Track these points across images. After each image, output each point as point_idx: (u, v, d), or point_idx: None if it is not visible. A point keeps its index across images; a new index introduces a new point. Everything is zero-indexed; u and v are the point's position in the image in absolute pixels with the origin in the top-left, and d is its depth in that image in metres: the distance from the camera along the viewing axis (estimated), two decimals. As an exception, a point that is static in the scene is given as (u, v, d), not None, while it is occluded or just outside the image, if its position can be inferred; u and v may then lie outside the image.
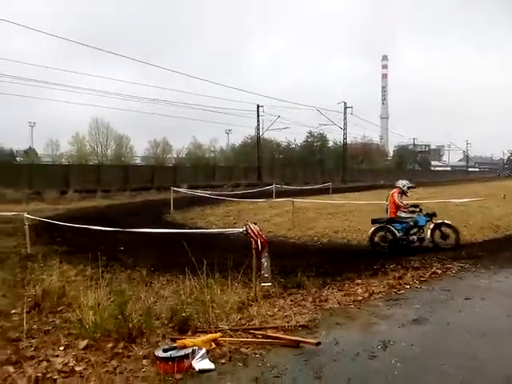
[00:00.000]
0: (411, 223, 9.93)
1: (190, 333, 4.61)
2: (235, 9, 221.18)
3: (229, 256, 7.16)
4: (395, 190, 10.39)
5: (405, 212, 10.17)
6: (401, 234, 9.81)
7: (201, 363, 3.86)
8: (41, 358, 3.97)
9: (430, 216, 10.20)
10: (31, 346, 4.28)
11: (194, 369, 3.79)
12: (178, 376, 3.67)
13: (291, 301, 5.82)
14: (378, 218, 10.41)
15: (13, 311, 5.38)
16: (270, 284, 5.98)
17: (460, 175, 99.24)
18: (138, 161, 67.84)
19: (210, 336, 4.36)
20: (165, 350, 3.87)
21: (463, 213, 15.85)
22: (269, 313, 5.24)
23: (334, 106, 72.10)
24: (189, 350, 3.90)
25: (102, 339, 4.35)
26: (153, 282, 6.82)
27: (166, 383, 3.56)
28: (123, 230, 9.30)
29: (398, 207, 10.13)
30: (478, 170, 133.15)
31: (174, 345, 4.00)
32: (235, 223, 14.63)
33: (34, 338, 4.51)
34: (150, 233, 10.69)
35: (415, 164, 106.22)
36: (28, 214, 10.63)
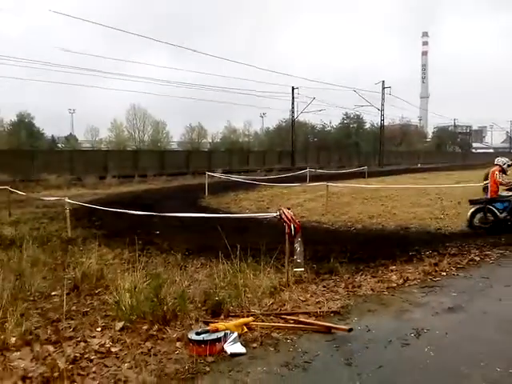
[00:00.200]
0: None
1: (222, 316, 4.67)
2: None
3: (262, 241, 7.20)
4: (495, 167, 9.87)
5: (508, 190, 9.65)
6: (504, 214, 9.30)
7: (232, 347, 3.91)
8: (79, 339, 4.13)
9: None
10: (70, 327, 4.45)
11: (225, 352, 3.85)
12: (209, 359, 3.74)
13: (323, 287, 5.80)
14: (477, 198, 9.92)
15: (53, 293, 5.61)
16: (302, 269, 5.97)
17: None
18: (174, 146, 68.72)
19: (242, 320, 4.41)
20: (198, 333, 3.94)
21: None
22: (301, 298, 5.24)
23: (372, 86, 70.52)
24: (221, 334, 3.96)
25: (137, 321, 4.47)
26: (187, 266, 6.94)
27: (198, 365, 3.63)
28: (159, 215, 9.50)
29: (499, 186, 9.66)
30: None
31: (207, 328, 4.06)
32: (268, 208, 14.66)
33: (72, 319, 4.69)
34: (185, 217, 10.92)
35: (455, 146, 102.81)
36: (69, 198, 10.99)
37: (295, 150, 52.81)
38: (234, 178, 24.64)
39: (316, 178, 26.77)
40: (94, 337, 4.18)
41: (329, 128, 77.80)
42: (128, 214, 9.83)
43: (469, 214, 9.60)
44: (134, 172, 32.33)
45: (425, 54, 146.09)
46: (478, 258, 7.20)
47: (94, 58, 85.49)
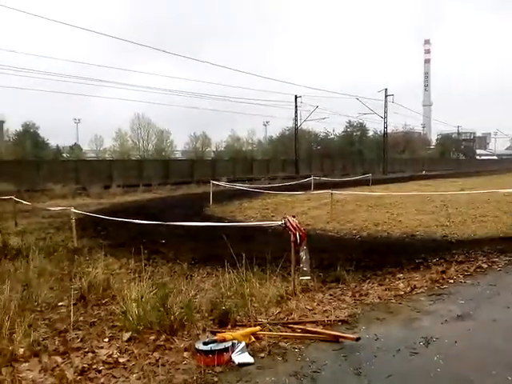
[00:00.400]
0: None
1: (229, 326, 4.66)
2: None
3: (267, 249, 7.20)
4: None
5: None
6: None
7: (240, 356, 3.90)
8: (86, 349, 4.13)
9: None
10: (78, 338, 4.45)
11: (233, 362, 3.84)
12: (217, 369, 3.72)
13: (330, 295, 5.78)
14: None
15: (60, 303, 5.62)
16: (308, 278, 5.95)
17: (507, 164, 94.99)
18: (178, 155, 68.99)
19: (249, 329, 4.40)
20: (205, 343, 3.93)
21: (511, 204, 15.22)
22: (308, 307, 5.22)
23: (375, 94, 70.70)
24: (228, 344, 3.95)
25: (144, 331, 4.46)
26: (193, 275, 6.93)
27: (206, 376, 3.62)
28: (164, 224, 9.52)
29: None
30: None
31: (214, 338, 4.05)
32: (273, 216, 14.65)
33: (80, 330, 4.69)
34: (190, 226, 10.93)
35: (459, 153, 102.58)
36: (74, 208, 11.04)
37: (299, 158, 52.88)
38: (239, 186, 24.68)
39: (320, 185, 26.74)
40: (102, 347, 4.18)
41: (332, 136, 78.02)
42: (133, 224, 9.88)
43: None
44: (139, 181, 32.44)
45: (427, 61, 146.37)
46: (485, 266, 7.15)
47: (99, 67, 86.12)
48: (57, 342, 4.33)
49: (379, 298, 5.63)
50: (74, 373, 3.62)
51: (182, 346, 4.19)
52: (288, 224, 5.90)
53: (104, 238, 11.09)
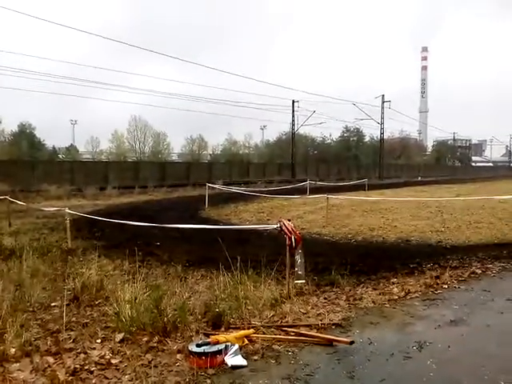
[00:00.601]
0: None
1: (223, 328, 4.64)
2: (270, 2, 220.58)
3: (262, 252, 7.19)
4: None
5: None
6: None
7: (233, 359, 3.88)
8: (79, 350, 4.09)
9: None
10: (70, 338, 4.41)
11: (226, 364, 3.82)
12: (210, 371, 3.71)
13: (325, 299, 5.78)
14: None
15: (53, 304, 5.58)
16: (303, 281, 5.94)
17: (502, 171, 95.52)
18: (175, 157, 68.92)
19: (242, 332, 4.38)
20: (198, 345, 3.91)
21: (506, 210, 15.30)
22: (302, 310, 5.21)
23: (372, 100, 71.07)
24: (222, 346, 3.93)
25: (137, 333, 4.44)
26: (187, 277, 6.91)
27: (199, 378, 3.60)
28: (159, 226, 9.49)
29: None
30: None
31: (208, 340, 4.03)
32: (268, 220, 14.66)
33: (72, 331, 4.65)
34: (185, 229, 10.91)
35: (455, 160, 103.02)
36: (69, 209, 10.98)
37: (295, 163, 52.95)
38: (235, 189, 24.68)
39: (316, 190, 26.81)
40: (94, 348, 4.15)
41: (329, 141, 78.14)
42: (128, 225, 9.85)
43: None
44: (135, 183, 32.38)
45: (424, 68, 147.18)
46: (479, 271, 7.17)
47: (96, 69, 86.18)
48: (49, 343, 4.29)
49: (373, 302, 5.62)
50: (66, 373, 3.59)
51: (175, 347, 4.17)
52: (283, 227, 5.89)
53: (98, 239, 11.04)
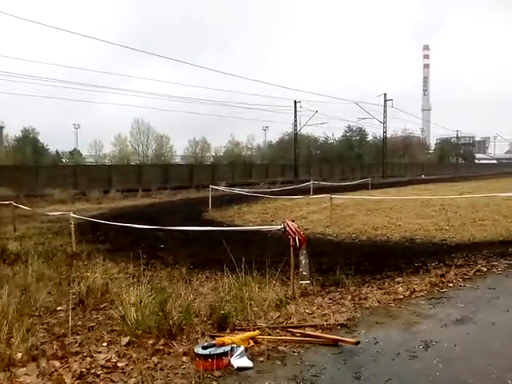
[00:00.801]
0: None
1: (228, 330, 4.65)
2: (271, 3, 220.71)
3: (266, 253, 7.20)
4: None
5: None
6: None
7: (239, 361, 3.88)
8: (85, 354, 4.10)
9: None
10: (76, 342, 4.43)
11: (232, 366, 3.82)
12: (216, 373, 3.71)
13: (330, 299, 5.77)
14: None
15: (59, 308, 5.60)
16: (308, 282, 5.94)
17: (506, 168, 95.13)
18: (178, 160, 69.09)
19: (248, 334, 4.38)
20: (204, 347, 3.91)
21: (511, 207, 15.23)
22: (307, 311, 5.21)
23: (374, 99, 71.03)
24: (227, 348, 3.93)
25: (143, 336, 4.45)
26: (192, 280, 6.92)
27: (205, 380, 3.60)
28: (163, 228, 9.51)
29: None
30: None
31: (213, 342, 4.04)
32: (272, 221, 14.65)
33: (78, 334, 4.67)
34: (189, 231, 10.93)
35: (458, 157, 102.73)
36: (73, 213, 11.02)
37: (298, 163, 52.96)
38: (238, 191, 24.66)
39: (319, 190, 26.75)
40: (100, 352, 4.15)
41: (331, 141, 78.17)
42: (132, 228, 9.87)
43: None
44: (138, 186, 32.41)
45: (426, 66, 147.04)
46: (484, 269, 7.15)
47: (99, 73, 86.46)
48: (55, 347, 4.31)
49: (378, 301, 5.61)
50: (73, 377, 3.60)
51: (180, 350, 4.17)
52: (287, 228, 5.89)
53: (103, 243, 11.08)
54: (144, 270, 6.90)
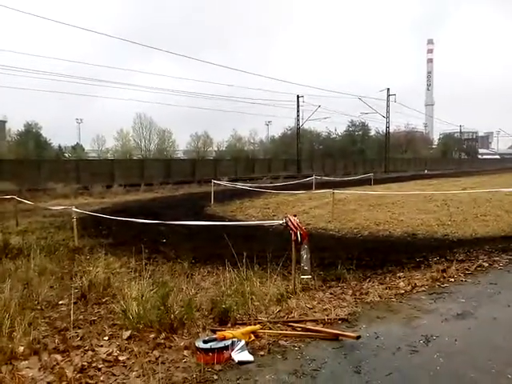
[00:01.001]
0: None
1: (229, 324, 4.66)
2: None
3: (268, 248, 7.20)
4: None
5: None
6: None
7: (240, 355, 3.89)
8: (86, 348, 4.13)
9: None
10: (78, 336, 4.45)
11: (233, 360, 3.84)
12: (217, 367, 3.72)
13: (331, 294, 5.77)
14: None
15: (61, 302, 5.63)
16: (309, 277, 5.94)
17: (509, 163, 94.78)
18: (180, 154, 69.04)
19: (249, 328, 4.40)
20: (205, 341, 3.93)
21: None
22: (308, 305, 5.22)
23: (377, 94, 70.81)
24: (228, 342, 3.95)
25: (144, 330, 4.47)
26: (194, 274, 6.93)
27: (205, 374, 3.62)
28: (165, 223, 9.52)
29: None
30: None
31: (214, 336, 4.05)
32: (274, 215, 14.65)
33: (80, 328, 4.69)
34: (191, 225, 10.94)
35: (461, 152, 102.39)
36: (76, 207, 11.04)
37: (301, 158, 52.87)
38: (240, 185, 24.66)
39: (321, 185, 26.74)
40: (102, 346, 4.18)
41: (334, 135, 77.97)
42: (135, 223, 9.89)
43: None
44: (141, 181, 32.45)
45: (430, 61, 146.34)
46: (486, 264, 7.14)
47: (102, 68, 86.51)
48: (57, 341, 4.33)
49: (380, 296, 5.61)
50: (74, 371, 3.62)
51: (181, 344, 4.19)
52: (289, 223, 5.89)
53: (105, 237, 11.10)
54: (146, 264, 6.91)
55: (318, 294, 5.73)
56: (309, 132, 70.59)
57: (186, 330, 4.49)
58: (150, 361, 3.84)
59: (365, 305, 5.33)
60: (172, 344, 4.20)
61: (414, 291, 5.84)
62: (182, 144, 71.07)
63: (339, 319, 4.81)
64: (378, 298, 5.55)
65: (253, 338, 4.28)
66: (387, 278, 6.51)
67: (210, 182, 22.74)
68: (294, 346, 4.16)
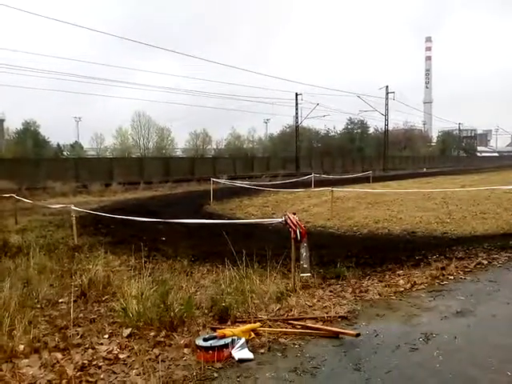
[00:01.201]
0: None
1: (229, 322, 4.67)
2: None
3: (267, 246, 7.20)
4: None
5: None
6: None
7: (240, 353, 3.90)
8: (87, 346, 4.13)
9: None
10: (78, 334, 4.45)
11: (233, 358, 3.84)
12: (217, 365, 3.73)
13: (330, 291, 5.78)
14: None
15: (60, 300, 5.63)
16: (308, 274, 5.94)
17: (508, 161, 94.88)
18: (179, 152, 69.01)
19: (249, 326, 4.40)
20: (205, 339, 3.93)
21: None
22: (308, 303, 5.22)
23: (376, 91, 70.84)
24: (228, 340, 3.95)
25: (144, 328, 4.47)
26: (193, 272, 6.94)
27: (206, 372, 3.63)
28: (164, 221, 9.52)
29: None
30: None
31: (214, 334, 4.05)
32: (273, 213, 14.66)
33: (80, 326, 4.70)
34: (190, 223, 10.94)
35: (460, 150, 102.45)
36: (75, 206, 11.03)
37: (299, 156, 52.84)
38: (239, 184, 24.67)
39: (320, 183, 26.75)
40: (102, 344, 4.18)
41: (333, 133, 77.96)
42: (134, 221, 9.88)
43: None
44: (140, 179, 32.43)
45: (429, 59, 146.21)
46: (485, 262, 7.15)
47: (100, 66, 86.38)
48: (57, 339, 4.33)
49: (379, 294, 5.63)
50: (74, 369, 3.63)
51: (182, 342, 4.19)
52: (288, 221, 5.89)
53: (104, 236, 11.10)
54: (145, 262, 6.91)
55: (317, 291, 5.73)
56: (308, 130, 70.54)
57: (185, 328, 4.50)
58: (150, 359, 3.85)
59: (364, 302, 5.34)
60: (172, 342, 4.21)
61: (414, 289, 5.85)
62: (180, 142, 71.11)
63: (339, 317, 4.81)
64: (378, 296, 5.56)
65: (253, 335, 4.28)
66: (387, 276, 6.51)
67: (209, 180, 22.73)
68: (294, 344, 4.16)
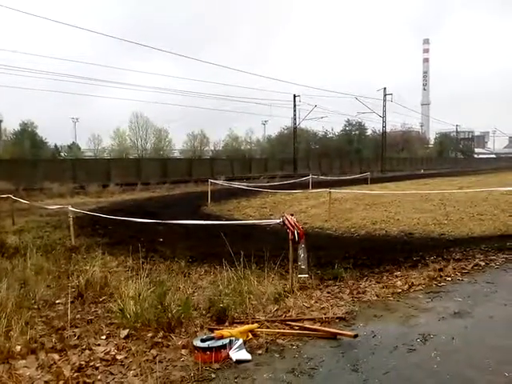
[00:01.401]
0: None
1: (227, 323, 4.66)
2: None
3: (265, 247, 7.21)
4: None
5: None
6: None
7: (238, 353, 3.89)
8: (84, 347, 4.12)
9: None
10: (75, 335, 4.44)
11: (231, 359, 3.84)
12: (215, 366, 3.72)
13: (328, 293, 5.78)
14: None
15: (57, 301, 5.61)
16: (306, 275, 5.94)
17: (505, 163, 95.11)
18: (177, 154, 69.02)
19: (246, 327, 4.40)
20: (203, 340, 3.92)
21: (509, 202, 15.25)
22: (305, 304, 5.22)
23: (374, 93, 70.96)
24: (226, 341, 3.95)
25: (142, 329, 4.46)
26: (191, 273, 6.93)
27: (203, 373, 3.62)
28: (162, 222, 9.50)
29: None
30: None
31: (212, 335, 4.05)
32: (271, 215, 14.66)
33: (77, 327, 4.68)
34: (188, 224, 10.94)
35: (457, 152, 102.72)
36: (72, 207, 11.00)
37: (297, 157, 52.90)
38: (237, 185, 24.65)
39: (318, 184, 26.77)
40: (99, 345, 4.17)
41: (331, 135, 78.09)
42: (131, 222, 9.86)
43: None
44: (137, 180, 32.40)
45: (426, 60, 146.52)
46: (482, 263, 7.16)
47: (98, 67, 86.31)
48: (54, 340, 4.32)
49: (377, 295, 5.63)
50: (71, 370, 3.62)
51: (179, 343, 4.19)
52: (286, 222, 5.89)
53: (101, 237, 11.07)
54: (143, 263, 6.92)
55: (315, 292, 5.73)
56: (305, 131, 70.62)
57: (183, 329, 4.49)
58: (147, 360, 3.84)
59: (362, 304, 5.34)
60: (170, 343, 4.20)
61: (411, 290, 5.85)
62: (178, 143, 71.10)
63: (337, 318, 4.81)
64: (376, 297, 5.56)
65: (250, 336, 4.28)
66: (384, 277, 6.52)
67: (207, 181, 22.73)
68: (292, 345, 4.16)
